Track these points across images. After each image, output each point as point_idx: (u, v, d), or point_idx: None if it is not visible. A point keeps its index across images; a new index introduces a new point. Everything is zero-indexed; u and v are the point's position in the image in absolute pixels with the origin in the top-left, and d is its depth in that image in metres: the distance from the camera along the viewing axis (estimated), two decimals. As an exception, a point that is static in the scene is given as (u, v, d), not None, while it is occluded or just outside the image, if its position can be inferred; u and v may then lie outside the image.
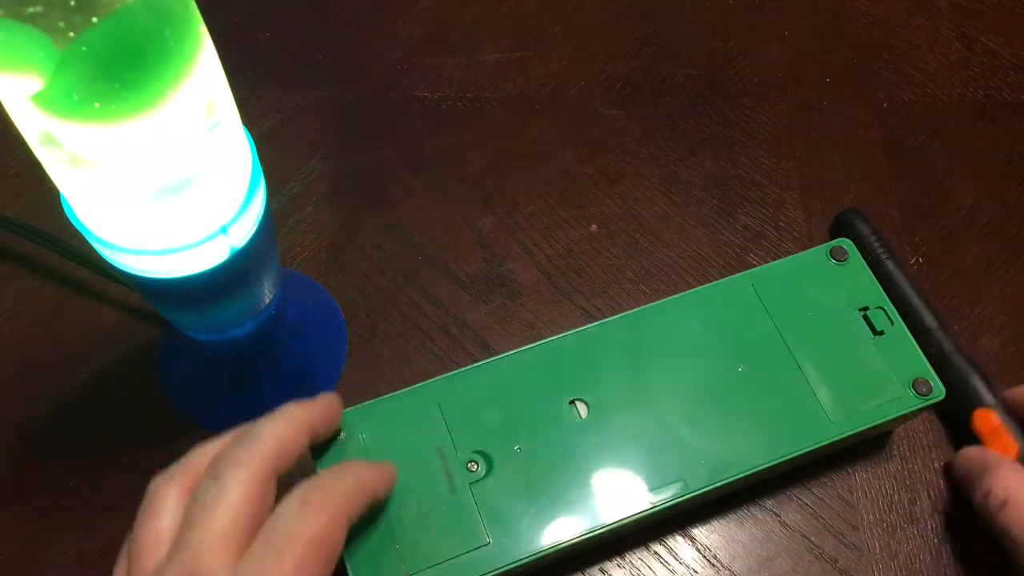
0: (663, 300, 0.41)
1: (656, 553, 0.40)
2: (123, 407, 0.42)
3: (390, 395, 0.38)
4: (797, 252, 0.48)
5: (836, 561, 0.40)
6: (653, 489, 0.36)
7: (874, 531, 0.40)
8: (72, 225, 0.29)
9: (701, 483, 0.37)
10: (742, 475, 0.37)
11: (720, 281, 0.42)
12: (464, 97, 0.52)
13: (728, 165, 0.50)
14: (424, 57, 0.53)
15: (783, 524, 0.40)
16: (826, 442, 0.38)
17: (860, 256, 0.42)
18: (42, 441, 0.41)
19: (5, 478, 0.40)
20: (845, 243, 0.42)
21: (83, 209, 0.29)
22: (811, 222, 0.49)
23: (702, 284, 0.42)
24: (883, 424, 0.39)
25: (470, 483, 0.36)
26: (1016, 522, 0.36)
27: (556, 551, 0.35)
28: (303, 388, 0.43)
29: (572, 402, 0.38)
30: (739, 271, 0.47)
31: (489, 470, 0.37)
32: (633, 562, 0.39)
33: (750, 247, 0.48)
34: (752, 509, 0.41)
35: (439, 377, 0.38)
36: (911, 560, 0.40)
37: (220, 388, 0.43)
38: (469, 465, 0.36)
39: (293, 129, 0.51)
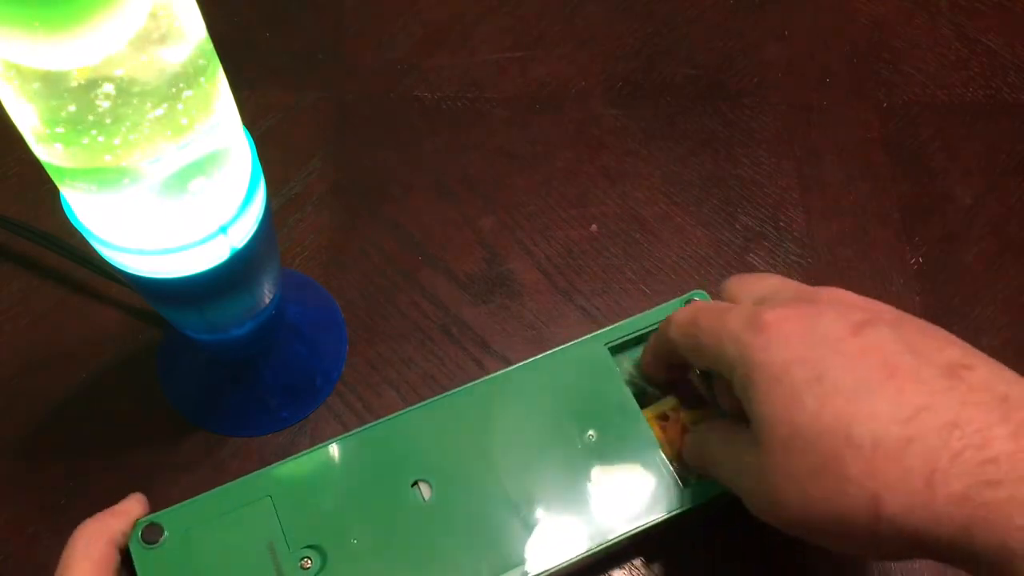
0: (510, 368, 0.39)
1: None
2: (123, 407, 0.42)
3: (216, 489, 0.36)
4: (798, 251, 0.48)
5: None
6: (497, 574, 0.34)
7: None
8: (72, 225, 0.29)
9: (548, 564, 0.35)
10: (595, 550, 0.35)
11: (571, 344, 0.40)
12: (464, 97, 0.52)
13: (728, 165, 0.50)
14: (424, 57, 0.53)
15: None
16: (678, 512, 0.36)
17: None
18: (42, 441, 0.41)
19: (5, 478, 0.40)
20: (699, 295, 0.41)
21: (82, 209, 0.29)
22: (811, 222, 0.49)
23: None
24: None
25: None
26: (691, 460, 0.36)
27: None
28: (303, 388, 0.43)
29: (415, 483, 0.36)
30: (739, 271, 0.47)
31: (323, 566, 0.34)
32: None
33: (750, 247, 0.48)
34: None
35: (270, 466, 0.36)
36: None
37: (220, 388, 0.43)
38: (302, 562, 0.34)
39: (293, 129, 0.51)
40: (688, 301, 0.40)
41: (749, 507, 0.31)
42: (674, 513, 0.36)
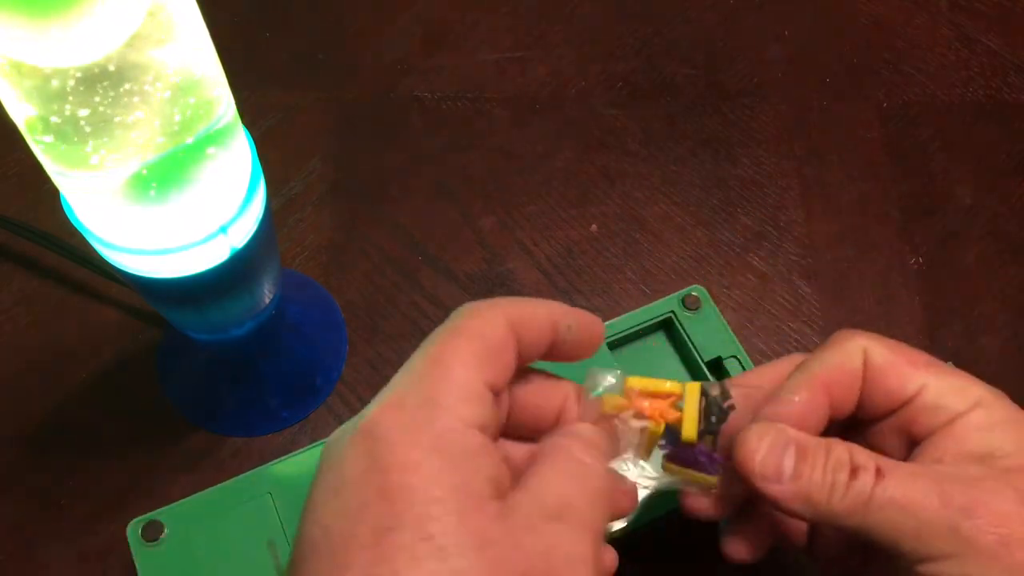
0: None
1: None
2: (123, 407, 0.42)
3: (217, 486, 0.35)
4: (798, 251, 0.48)
5: None
6: None
7: None
8: (72, 225, 0.29)
9: None
10: None
11: None
12: (464, 97, 0.52)
13: (728, 165, 0.50)
14: (424, 57, 0.53)
15: None
16: (672, 508, 0.35)
17: (713, 304, 0.41)
18: (42, 441, 0.41)
19: (5, 478, 0.40)
20: (698, 290, 0.41)
21: (83, 209, 0.29)
22: (811, 222, 0.49)
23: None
24: None
25: None
26: (903, 501, 0.25)
27: None
28: (303, 388, 0.43)
29: None
30: (739, 271, 0.47)
31: None
32: None
33: (750, 247, 0.48)
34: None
35: (270, 463, 0.36)
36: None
37: (220, 388, 0.43)
38: None
39: (293, 129, 0.51)
40: (686, 296, 0.40)
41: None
42: (670, 509, 0.36)
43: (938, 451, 0.27)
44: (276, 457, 0.37)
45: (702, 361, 0.40)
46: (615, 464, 0.29)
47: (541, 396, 0.29)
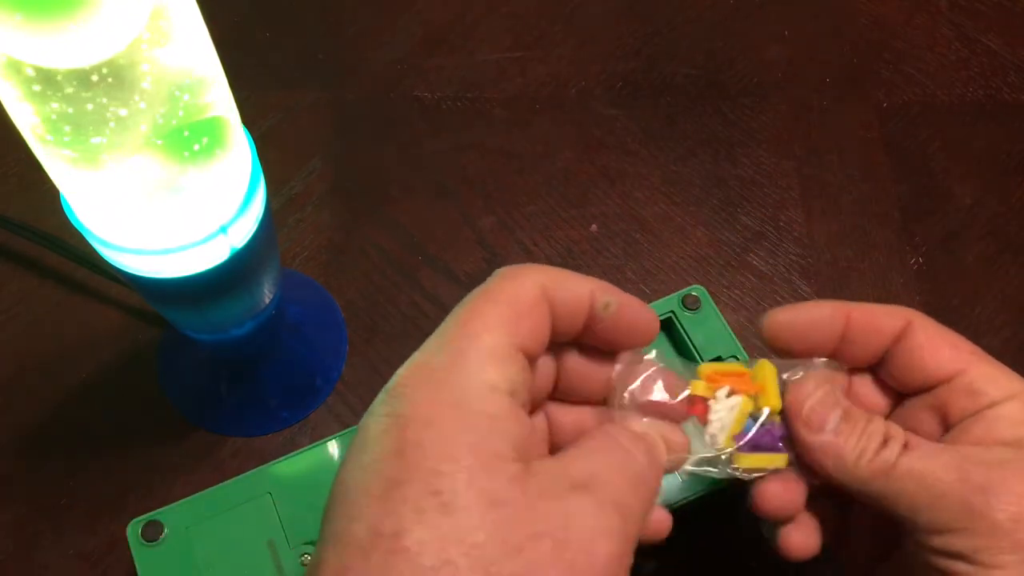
0: None
1: None
2: (123, 407, 0.42)
3: (216, 486, 0.35)
4: (798, 251, 0.48)
5: None
6: None
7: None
8: (72, 225, 0.29)
9: None
10: None
11: None
12: (464, 97, 0.52)
13: (728, 165, 0.50)
14: (424, 57, 0.53)
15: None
16: (677, 504, 0.36)
17: (713, 304, 0.40)
18: (42, 441, 0.41)
19: (5, 478, 0.40)
20: (698, 290, 0.41)
21: (83, 209, 0.29)
22: (811, 222, 0.49)
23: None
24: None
25: None
26: (922, 472, 0.27)
27: None
28: (303, 388, 0.43)
29: None
30: (739, 271, 0.47)
31: None
32: None
33: (750, 247, 0.48)
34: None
35: (270, 463, 0.36)
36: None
37: (220, 388, 0.43)
38: (302, 558, 0.34)
39: (293, 129, 0.51)
40: (686, 296, 0.40)
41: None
42: (674, 505, 0.36)
43: (970, 436, 0.28)
44: (276, 457, 0.37)
45: (702, 361, 0.40)
46: (692, 458, 0.29)
47: (591, 363, 0.28)
